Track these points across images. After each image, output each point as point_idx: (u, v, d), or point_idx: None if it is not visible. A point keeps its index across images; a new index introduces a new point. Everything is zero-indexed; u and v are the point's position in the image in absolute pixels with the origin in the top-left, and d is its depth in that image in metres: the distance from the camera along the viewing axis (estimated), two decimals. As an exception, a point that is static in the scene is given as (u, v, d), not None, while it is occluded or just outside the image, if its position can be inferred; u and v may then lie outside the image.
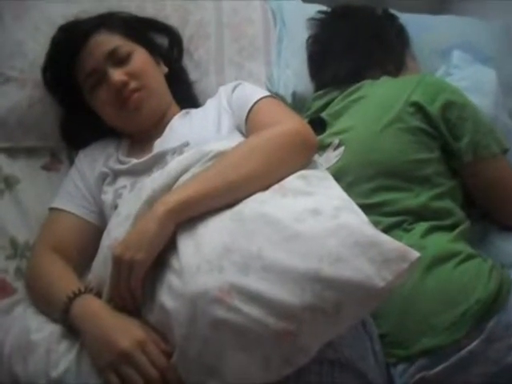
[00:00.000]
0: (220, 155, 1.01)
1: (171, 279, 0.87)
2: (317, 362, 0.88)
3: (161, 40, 1.42)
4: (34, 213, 1.26)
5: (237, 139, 1.10)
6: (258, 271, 0.82)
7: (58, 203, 1.21)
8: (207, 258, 0.84)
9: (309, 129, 1.08)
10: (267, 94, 1.21)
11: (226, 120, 1.19)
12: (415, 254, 0.84)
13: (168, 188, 0.98)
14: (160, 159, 1.15)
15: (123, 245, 0.92)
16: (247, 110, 1.15)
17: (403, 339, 1.04)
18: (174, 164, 1.03)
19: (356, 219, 0.88)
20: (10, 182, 1.29)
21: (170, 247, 0.91)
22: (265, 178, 0.97)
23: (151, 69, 1.26)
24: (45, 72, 1.31)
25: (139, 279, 0.90)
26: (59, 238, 1.16)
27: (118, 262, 0.91)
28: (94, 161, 1.26)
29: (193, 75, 1.45)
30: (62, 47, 1.27)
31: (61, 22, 1.32)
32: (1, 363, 0.96)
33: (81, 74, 1.24)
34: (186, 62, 1.45)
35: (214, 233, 0.89)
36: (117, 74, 1.19)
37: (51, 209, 1.21)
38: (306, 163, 1.03)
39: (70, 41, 1.25)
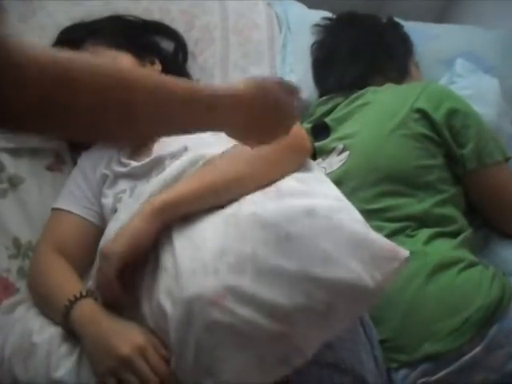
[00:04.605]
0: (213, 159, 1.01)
1: (168, 283, 0.87)
2: (316, 365, 0.89)
3: (166, 44, 1.43)
4: (38, 213, 1.26)
5: (234, 142, 1.10)
6: (251, 273, 0.82)
7: (60, 204, 1.21)
8: (202, 261, 0.84)
9: (302, 132, 1.07)
10: None
11: None
12: (405, 253, 0.85)
13: None
14: (159, 164, 1.14)
15: (109, 242, 0.93)
16: None
17: (405, 344, 1.04)
18: (170, 170, 1.03)
19: (348, 219, 0.88)
20: (13, 182, 1.28)
21: (167, 251, 0.91)
22: (255, 180, 0.96)
23: None
24: None
25: (113, 270, 0.89)
26: (62, 238, 1.15)
27: (100, 256, 0.93)
28: (96, 162, 1.26)
29: (197, 78, 1.44)
30: None
31: (67, 24, 1.34)
32: (1, 364, 0.95)
33: None
34: (191, 65, 1.46)
35: (209, 235, 0.89)
36: None
37: (54, 209, 1.21)
38: (299, 166, 1.02)
39: None
